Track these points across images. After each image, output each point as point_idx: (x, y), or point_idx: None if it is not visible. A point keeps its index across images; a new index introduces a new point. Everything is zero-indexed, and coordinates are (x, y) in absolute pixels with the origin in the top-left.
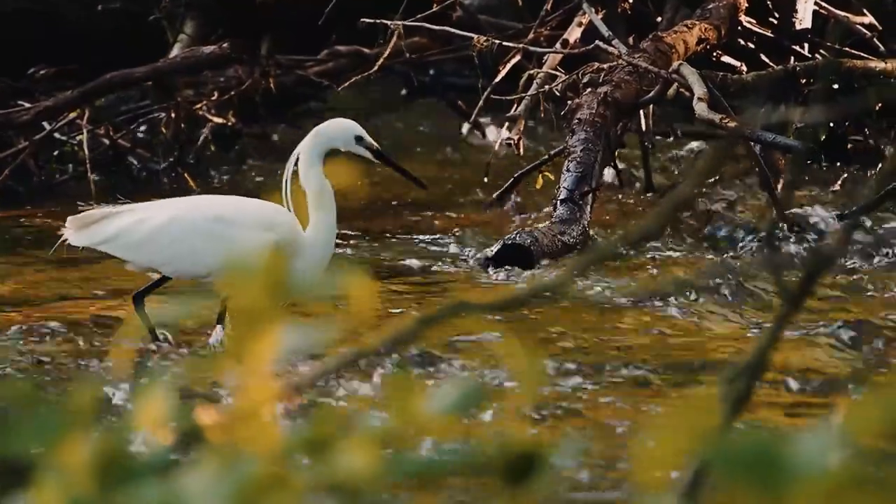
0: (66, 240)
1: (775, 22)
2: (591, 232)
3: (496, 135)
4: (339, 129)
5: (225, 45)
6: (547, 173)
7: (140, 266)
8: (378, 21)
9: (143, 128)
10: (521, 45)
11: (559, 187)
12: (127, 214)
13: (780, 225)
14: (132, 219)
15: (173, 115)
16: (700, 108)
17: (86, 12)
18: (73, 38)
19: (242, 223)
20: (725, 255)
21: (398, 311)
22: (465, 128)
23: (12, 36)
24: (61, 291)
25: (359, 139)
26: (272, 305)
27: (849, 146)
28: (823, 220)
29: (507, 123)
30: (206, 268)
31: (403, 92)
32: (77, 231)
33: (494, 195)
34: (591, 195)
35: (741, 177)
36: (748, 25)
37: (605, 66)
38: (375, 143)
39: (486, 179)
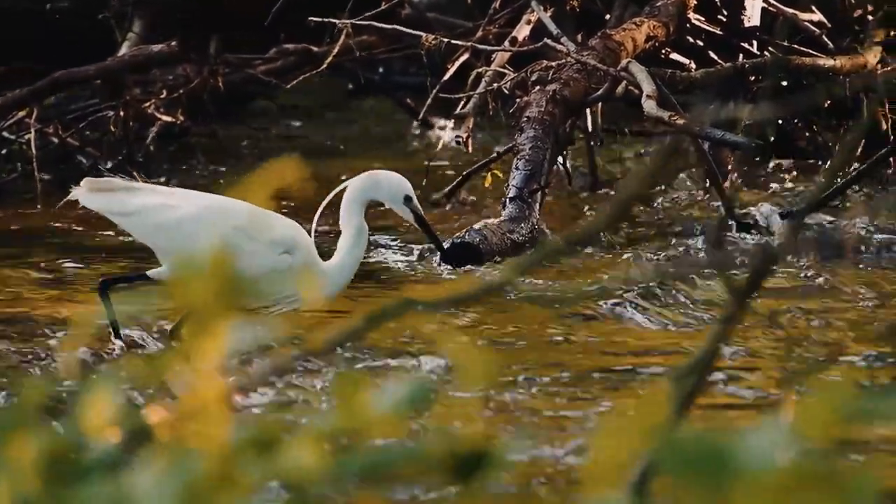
0: (75, 199)
1: (724, 19)
2: (540, 229)
3: (444, 133)
4: (392, 184)
5: (173, 43)
6: (496, 171)
7: (154, 246)
8: (326, 20)
9: (91, 126)
10: (469, 44)
11: (508, 185)
12: (150, 194)
13: (727, 222)
14: (157, 201)
15: (122, 113)
16: (649, 106)
17: (34, 11)
18: (21, 36)
19: (263, 239)
20: (672, 253)
21: (345, 309)
22: (414, 126)
23: None
24: (11, 288)
25: (407, 199)
26: (222, 305)
27: (797, 144)
28: (771, 217)
29: (455, 122)
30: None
31: (351, 89)
32: (93, 193)
33: (443, 193)
34: (539, 193)
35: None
36: (697, 23)
37: (553, 63)
38: (420, 209)
39: (434, 177)
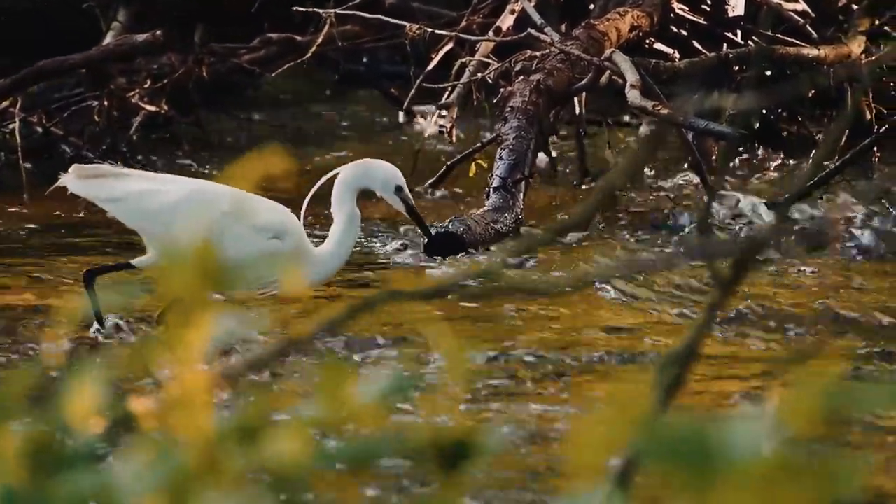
0: (63, 185)
1: (708, 9)
2: (524, 219)
3: (429, 123)
4: (384, 173)
5: (158, 33)
6: (480, 161)
7: (142, 231)
8: (310, 9)
9: (75, 116)
10: (453, 33)
11: (492, 175)
12: (138, 180)
13: (712, 212)
14: (144, 186)
15: (106, 103)
16: (633, 96)
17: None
18: (5, 26)
19: (251, 223)
20: (658, 242)
21: (329, 298)
22: (400, 116)
23: None
24: None
25: (398, 189)
26: (205, 294)
27: (782, 133)
28: (755, 207)
29: (439, 111)
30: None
31: (335, 79)
32: (81, 180)
33: (427, 183)
34: (524, 183)
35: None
36: (681, 13)
37: (537, 53)
38: (412, 198)
39: (419, 167)
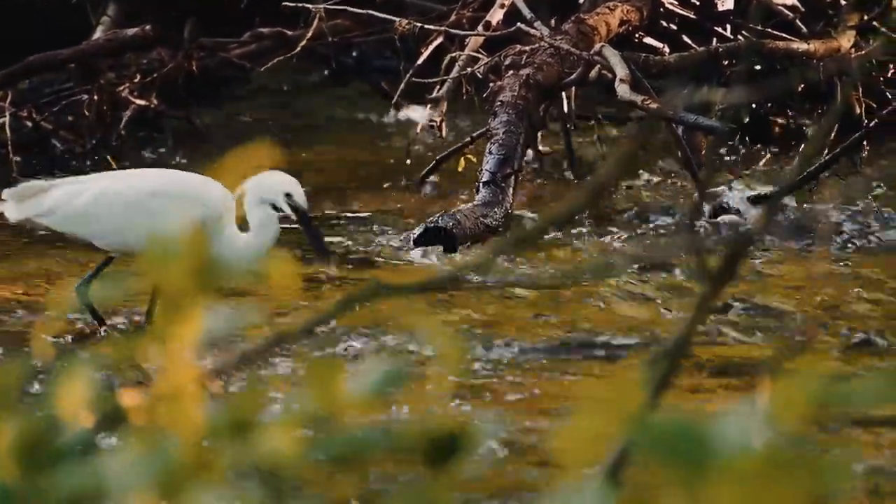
0: (1, 213)
1: (698, 3)
2: (513, 214)
3: (419, 118)
4: (272, 184)
5: (148, 27)
6: (469, 156)
7: (76, 238)
8: (300, 4)
9: (66, 110)
10: (443, 28)
11: (481, 170)
12: (64, 187)
13: (702, 206)
14: (68, 191)
15: (96, 97)
16: (622, 90)
17: None
18: None
19: (175, 197)
20: (648, 237)
21: (320, 293)
22: (389, 110)
23: None
24: None
25: (288, 196)
26: (196, 287)
27: (771, 128)
28: (745, 201)
29: (429, 106)
30: (140, 241)
31: (325, 73)
32: (17, 204)
33: (417, 178)
34: (513, 177)
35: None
36: (670, 7)
37: (527, 48)
38: (304, 206)
39: (406, 160)
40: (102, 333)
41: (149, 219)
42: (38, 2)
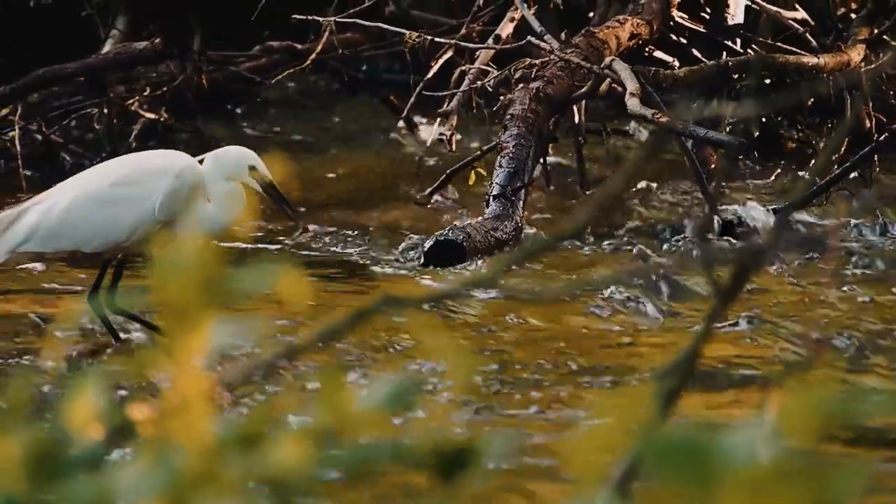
0: None
1: (707, 17)
2: (524, 227)
3: (429, 131)
4: (235, 157)
5: (157, 40)
6: (479, 169)
7: (64, 252)
8: (310, 17)
9: (74, 123)
10: (453, 41)
11: (492, 183)
12: (32, 209)
13: (712, 221)
14: (38, 211)
15: (105, 110)
16: (632, 104)
17: (17, 7)
18: (3, 33)
19: (142, 178)
20: (657, 251)
21: (330, 306)
22: (399, 123)
23: None
24: None
25: (252, 169)
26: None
27: (781, 142)
28: (755, 215)
29: (439, 119)
30: (122, 232)
31: (335, 87)
32: None
33: (427, 191)
34: (523, 191)
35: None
36: (680, 21)
37: (537, 61)
38: (269, 176)
39: (416, 173)
40: (115, 345)
41: (121, 209)
42: (47, 15)
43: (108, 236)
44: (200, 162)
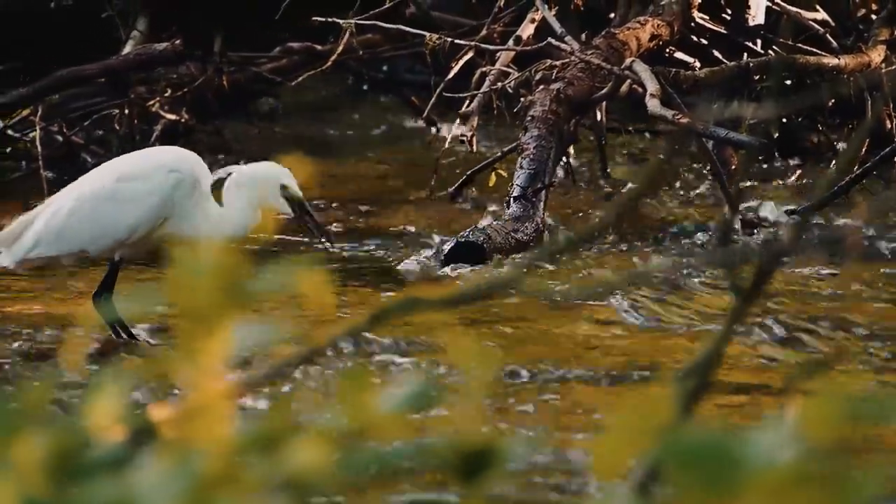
0: (4, 266)
1: (728, 18)
2: (544, 228)
3: (449, 132)
4: (265, 179)
5: (178, 42)
6: (500, 170)
7: (73, 255)
8: (330, 19)
9: (96, 125)
10: (473, 43)
11: (512, 184)
12: (40, 216)
13: (733, 221)
14: (44, 217)
15: (126, 111)
16: (653, 105)
17: (38, 9)
18: (24, 34)
19: (141, 174)
20: (678, 252)
21: (351, 307)
22: (419, 125)
23: None
24: (16, 287)
25: (283, 188)
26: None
27: (802, 142)
28: (776, 216)
29: (459, 121)
30: (125, 229)
31: (355, 88)
32: (7, 252)
33: (447, 192)
34: (544, 192)
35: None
36: (701, 22)
37: (557, 63)
38: (300, 194)
39: (440, 176)
40: (132, 344)
41: (123, 206)
42: (67, 16)
43: (111, 234)
44: (229, 174)
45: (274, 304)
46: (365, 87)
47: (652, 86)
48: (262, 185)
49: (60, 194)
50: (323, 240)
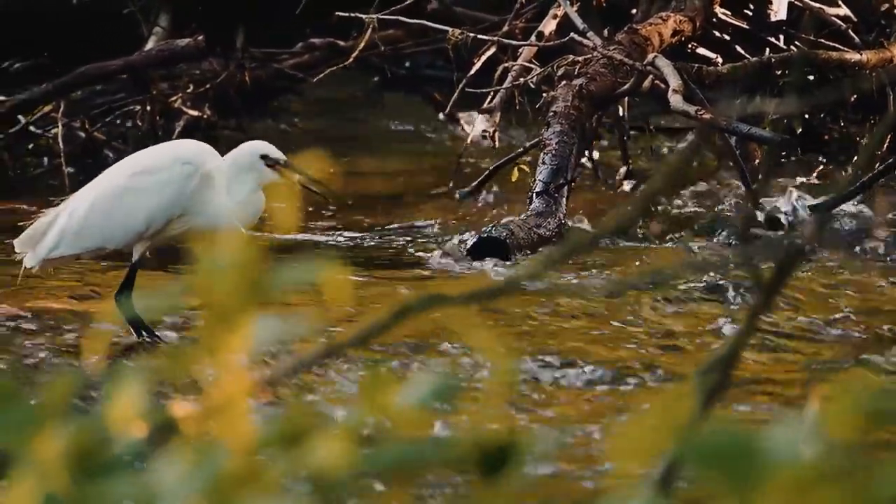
0: (29, 267)
1: (750, 13)
2: (567, 223)
3: (472, 128)
4: (244, 151)
5: (200, 38)
6: (522, 166)
7: (94, 252)
8: (352, 14)
9: (118, 121)
10: (495, 38)
11: (535, 180)
12: (62, 214)
13: (755, 217)
14: (66, 215)
15: (149, 107)
16: (675, 101)
17: (60, 5)
18: (46, 31)
19: (155, 167)
20: (700, 247)
21: (373, 304)
22: (441, 120)
23: None
24: (37, 283)
25: (264, 157)
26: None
27: (824, 138)
28: (798, 211)
29: (481, 116)
30: (141, 222)
31: (377, 83)
32: (31, 252)
33: (470, 188)
34: (566, 187)
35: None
36: (723, 17)
37: (580, 58)
38: (283, 157)
39: (459, 170)
40: (153, 343)
41: (139, 198)
42: (89, 12)
43: (130, 227)
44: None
45: (297, 300)
46: (382, 82)
47: (674, 81)
48: (246, 166)
49: (80, 193)
50: (323, 197)
